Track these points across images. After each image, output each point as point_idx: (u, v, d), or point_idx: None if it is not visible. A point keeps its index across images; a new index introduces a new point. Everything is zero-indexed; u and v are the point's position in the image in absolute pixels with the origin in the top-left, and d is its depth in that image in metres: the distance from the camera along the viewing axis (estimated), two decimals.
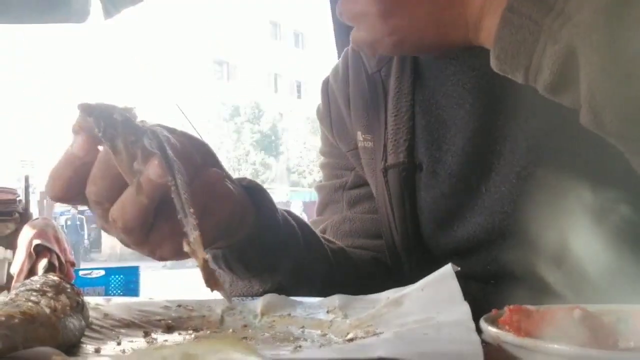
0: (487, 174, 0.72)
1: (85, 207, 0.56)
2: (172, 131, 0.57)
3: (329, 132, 0.93)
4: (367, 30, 0.65)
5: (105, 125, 0.50)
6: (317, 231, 0.91)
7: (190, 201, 0.48)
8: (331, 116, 0.92)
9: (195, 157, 0.57)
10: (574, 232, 0.58)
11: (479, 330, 0.40)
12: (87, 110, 0.50)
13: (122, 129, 0.50)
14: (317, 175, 22.68)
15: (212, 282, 0.49)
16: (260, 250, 0.68)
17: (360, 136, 0.85)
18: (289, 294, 0.72)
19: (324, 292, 0.75)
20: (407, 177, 0.79)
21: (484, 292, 0.73)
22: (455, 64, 0.75)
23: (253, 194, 0.67)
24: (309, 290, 0.75)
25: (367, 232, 0.88)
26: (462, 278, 0.76)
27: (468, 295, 0.69)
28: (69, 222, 15.84)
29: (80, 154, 0.52)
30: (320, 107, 0.96)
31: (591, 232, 0.57)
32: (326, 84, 0.94)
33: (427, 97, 0.79)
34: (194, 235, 0.47)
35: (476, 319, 0.42)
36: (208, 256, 0.48)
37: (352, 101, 0.87)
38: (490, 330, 0.39)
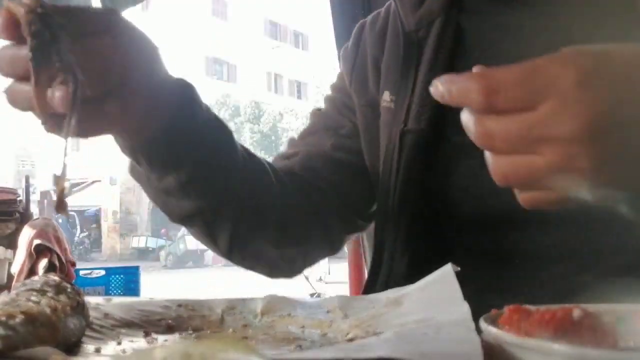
0: None
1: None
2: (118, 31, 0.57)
3: (347, 75, 0.92)
4: (575, 181, 0.46)
5: (34, 36, 0.49)
6: (287, 151, 0.92)
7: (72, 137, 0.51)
8: (355, 63, 0.90)
9: (115, 74, 0.56)
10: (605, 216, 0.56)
11: (478, 330, 0.40)
12: (30, 11, 0.49)
13: (46, 48, 0.50)
14: None
15: (61, 207, 0.53)
16: (177, 142, 0.68)
17: (387, 96, 0.83)
18: (204, 193, 0.73)
19: (234, 196, 0.75)
20: (424, 145, 0.77)
21: (500, 271, 0.71)
22: (512, 41, 0.73)
23: (181, 89, 0.68)
24: (222, 188, 0.74)
25: (330, 179, 0.88)
26: (481, 254, 0.74)
27: (480, 278, 0.67)
28: (59, 221, 15.80)
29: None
30: (347, 48, 0.94)
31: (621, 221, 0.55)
32: (361, 28, 0.92)
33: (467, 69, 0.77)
34: (59, 171, 0.51)
35: (477, 316, 0.42)
36: (66, 185, 0.51)
37: (386, 58, 0.85)
38: (490, 330, 0.39)
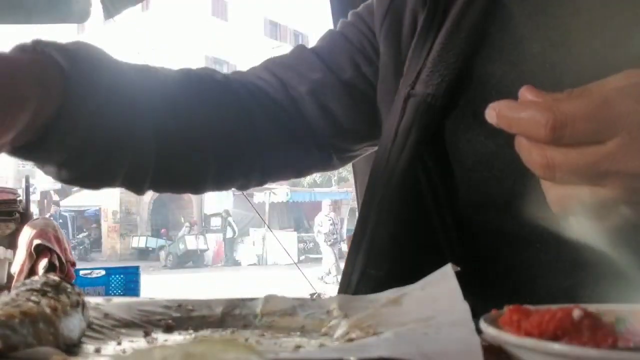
0: None
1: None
2: None
3: (379, 17, 0.85)
4: None
5: None
6: (300, 64, 0.87)
7: None
8: (392, 5, 0.84)
9: None
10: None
11: (479, 330, 0.40)
12: None
13: None
14: (317, 176, 22.65)
15: None
16: (57, 147, 0.64)
17: None
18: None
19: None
20: (429, 111, 0.73)
21: (520, 255, 0.68)
22: (550, 27, 0.69)
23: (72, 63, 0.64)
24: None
25: (334, 112, 0.86)
26: (491, 236, 0.70)
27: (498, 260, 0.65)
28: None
29: None
30: None
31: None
32: None
33: (492, 44, 0.72)
34: None
35: (479, 313, 0.42)
36: None
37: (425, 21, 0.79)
38: (490, 330, 0.39)
